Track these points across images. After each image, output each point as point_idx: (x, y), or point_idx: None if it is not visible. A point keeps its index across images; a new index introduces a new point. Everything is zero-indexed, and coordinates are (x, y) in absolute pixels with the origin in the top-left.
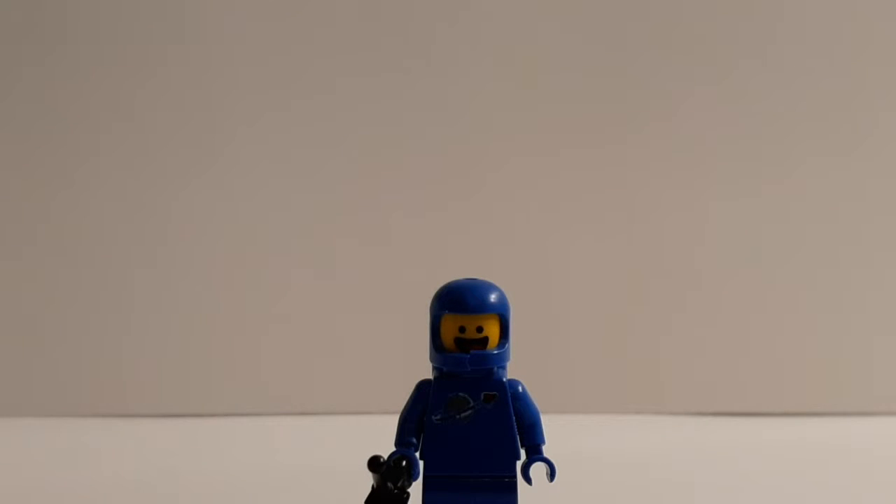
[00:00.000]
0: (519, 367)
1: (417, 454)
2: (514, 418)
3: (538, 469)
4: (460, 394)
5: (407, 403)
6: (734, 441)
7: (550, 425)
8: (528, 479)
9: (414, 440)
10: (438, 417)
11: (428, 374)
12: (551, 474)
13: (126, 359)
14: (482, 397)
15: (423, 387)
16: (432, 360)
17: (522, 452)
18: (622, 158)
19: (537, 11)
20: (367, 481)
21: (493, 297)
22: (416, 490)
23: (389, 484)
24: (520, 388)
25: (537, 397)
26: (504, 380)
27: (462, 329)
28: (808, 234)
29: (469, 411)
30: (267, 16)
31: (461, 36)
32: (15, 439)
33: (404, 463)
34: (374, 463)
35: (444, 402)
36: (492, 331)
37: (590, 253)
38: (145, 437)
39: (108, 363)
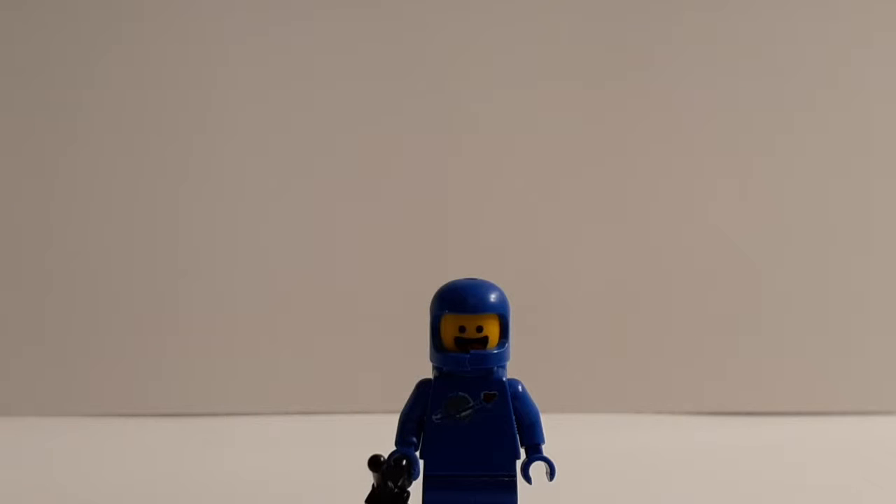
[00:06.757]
0: (519, 367)
1: (418, 453)
2: (513, 417)
3: (538, 468)
4: (460, 393)
5: (407, 403)
6: (734, 441)
7: (550, 425)
8: (527, 479)
9: (414, 439)
10: (438, 417)
11: (428, 373)
12: (551, 473)
13: (126, 359)
14: (482, 397)
15: (423, 386)
16: (432, 359)
17: (522, 452)
18: (622, 160)
19: (534, 20)
20: (367, 481)
21: (492, 297)
22: (416, 489)
23: (390, 483)
24: (519, 388)
25: (537, 397)
26: (504, 379)
27: (462, 329)
28: (809, 234)
29: (469, 411)
30: (268, 17)
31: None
32: (15, 439)
33: (404, 462)
34: (375, 462)
35: (444, 402)
36: (492, 330)
37: (590, 253)
38: (145, 437)
39: (109, 363)
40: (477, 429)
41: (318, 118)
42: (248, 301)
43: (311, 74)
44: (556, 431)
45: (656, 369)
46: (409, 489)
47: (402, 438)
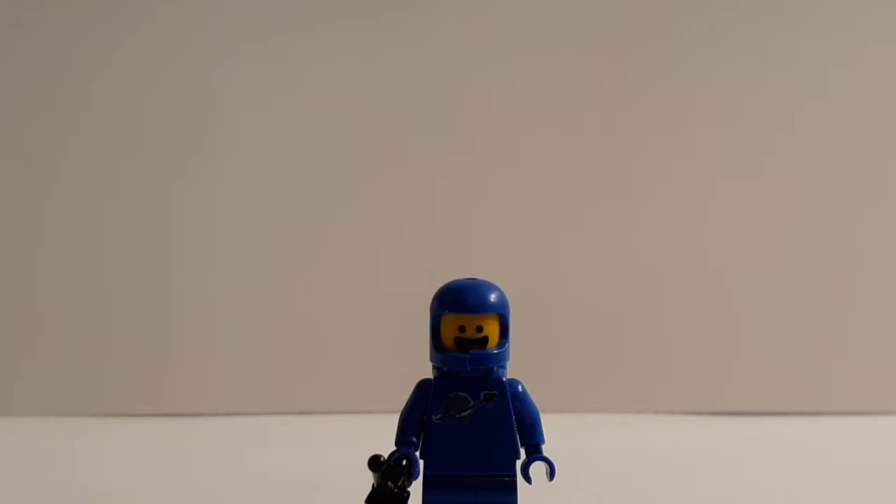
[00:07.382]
0: (519, 367)
1: (417, 453)
2: (513, 417)
3: (538, 468)
4: (460, 393)
5: (407, 403)
6: (734, 441)
7: (550, 425)
8: (527, 479)
9: (414, 439)
10: (438, 417)
11: (428, 373)
12: (551, 473)
13: (126, 359)
14: (482, 397)
15: (423, 386)
16: (432, 359)
17: (522, 452)
18: (622, 160)
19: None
20: (367, 481)
21: (492, 297)
22: (416, 489)
23: (390, 483)
24: (519, 388)
25: (537, 397)
26: (504, 379)
27: (462, 329)
28: (809, 233)
29: (469, 411)
30: (268, 17)
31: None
32: (15, 439)
33: (404, 462)
34: (375, 462)
35: (444, 402)
36: (492, 330)
37: (590, 253)
38: (145, 437)
39: (109, 363)
40: (477, 429)
41: (318, 118)
42: (248, 301)
43: (312, 74)
44: (556, 431)
45: (656, 369)
46: (409, 489)
47: (402, 438)
